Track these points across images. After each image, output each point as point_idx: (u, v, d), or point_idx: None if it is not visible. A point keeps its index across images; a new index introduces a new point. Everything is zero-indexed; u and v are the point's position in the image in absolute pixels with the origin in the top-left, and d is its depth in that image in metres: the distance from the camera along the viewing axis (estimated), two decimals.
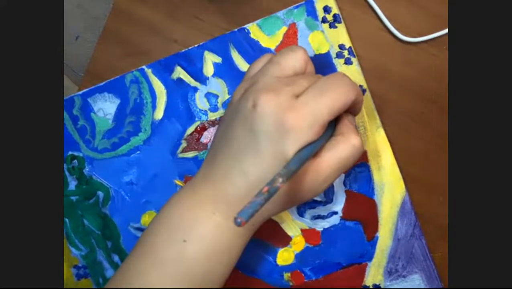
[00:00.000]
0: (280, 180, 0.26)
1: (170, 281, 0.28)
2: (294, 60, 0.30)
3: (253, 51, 0.37)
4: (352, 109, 0.31)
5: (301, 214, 0.37)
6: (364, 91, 0.37)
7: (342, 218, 0.37)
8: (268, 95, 0.28)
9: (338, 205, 0.37)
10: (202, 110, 0.38)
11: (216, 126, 0.38)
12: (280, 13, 0.37)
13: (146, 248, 0.30)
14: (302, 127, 0.27)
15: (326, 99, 0.28)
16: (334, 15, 0.37)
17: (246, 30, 0.37)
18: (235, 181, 0.28)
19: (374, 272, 0.37)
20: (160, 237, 0.29)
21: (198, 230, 0.29)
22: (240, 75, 0.37)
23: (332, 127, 0.30)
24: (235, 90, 0.31)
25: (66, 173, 0.38)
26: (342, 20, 0.37)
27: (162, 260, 0.28)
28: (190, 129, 0.38)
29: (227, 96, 0.38)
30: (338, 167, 0.29)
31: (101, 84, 0.38)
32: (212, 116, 0.38)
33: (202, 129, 0.38)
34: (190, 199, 0.30)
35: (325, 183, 0.29)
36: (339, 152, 0.29)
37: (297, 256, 0.38)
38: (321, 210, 0.37)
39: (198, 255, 0.28)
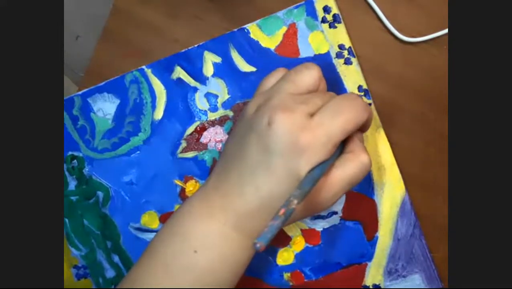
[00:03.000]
0: (295, 201, 0.26)
1: None
2: (309, 78, 0.30)
3: (253, 51, 0.37)
4: (361, 127, 0.31)
5: None
6: (364, 91, 0.37)
7: (342, 218, 0.37)
8: (283, 113, 0.28)
9: (338, 205, 0.37)
10: (202, 110, 0.38)
11: (217, 126, 0.38)
12: (280, 13, 0.37)
13: (157, 257, 0.30)
14: (316, 147, 0.28)
15: (340, 120, 0.29)
16: (334, 15, 0.37)
17: (246, 30, 0.37)
18: (246, 195, 0.29)
19: (374, 272, 0.37)
20: (172, 247, 0.30)
21: (209, 241, 0.29)
22: (240, 75, 0.37)
23: (341, 144, 0.30)
24: (248, 104, 0.31)
25: (66, 173, 0.38)
26: (342, 20, 0.37)
27: (173, 270, 0.29)
28: (190, 129, 0.38)
29: (227, 96, 0.38)
30: (347, 184, 0.30)
31: (101, 84, 0.38)
32: (212, 116, 0.38)
33: (202, 129, 0.38)
34: (202, 209, 0.30)
35: (334, 198, 0.30)
36: (349, 170, 0.29)
37: (297, 256, 0.38)
38: None
39: (209, 266, 0.29)
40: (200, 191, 0.31)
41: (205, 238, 0.29)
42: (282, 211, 0.26)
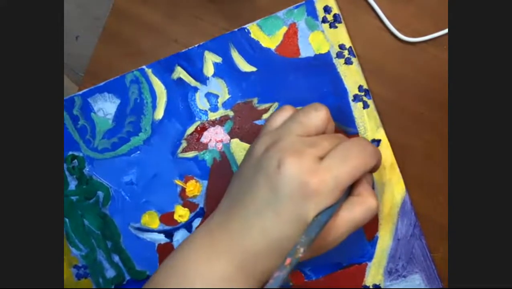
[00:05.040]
0: (302, 249, 0.26)
1: None
2: (317, 120, 0.31)
3: (253, 51, 0.37)
4: (370, 170, 0.31)
5: None
6: (365, 91, 0.37)
7: None
8: (292, 156, 0.28)
9: None
10: (202, 110, 0.38)
11: (217, 126, 0.38)
12: (280, 13, 0.37)
13: None
14: (324, 192, 0.28)
15: (349, 166, 0.29)
16: (334, 15, 0.37)
17: (246, 30, 0.37)
18: (254, 236, 0.29)
19: (374, 272, 0.37)
20: (172, 284, 0.29)
21: (214, 280, 0.29)
22: (240, 75, 0.37)
23: (349, 187, 0.30)
24: (256, 142, 0.31)
25: (66, 173, 0.38)
26: (342, 20, 0.37)
27: None
28: (190, 129, 0.38)
29: (227, 96, 0.38)
30: (353, 227, 0.30)
31: (101, 84, 0.38)
32: (212, 116, 0.38)
33: (202, 129, 0.38)
34: (205, 246, 0.30)
35: (338, 240, 0.30)
36: (355, 213, 0.29)
37: None
38: None
39: None
40: (204, 227, 0.31)
41: (207, 279, 0.29)
42: (288, 261, 0.26)
